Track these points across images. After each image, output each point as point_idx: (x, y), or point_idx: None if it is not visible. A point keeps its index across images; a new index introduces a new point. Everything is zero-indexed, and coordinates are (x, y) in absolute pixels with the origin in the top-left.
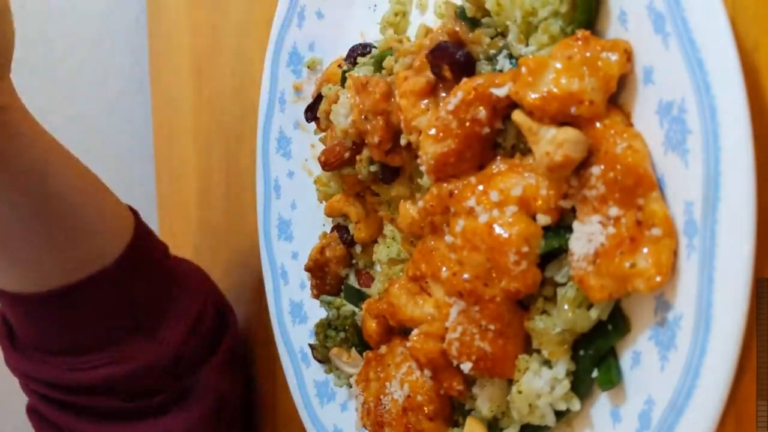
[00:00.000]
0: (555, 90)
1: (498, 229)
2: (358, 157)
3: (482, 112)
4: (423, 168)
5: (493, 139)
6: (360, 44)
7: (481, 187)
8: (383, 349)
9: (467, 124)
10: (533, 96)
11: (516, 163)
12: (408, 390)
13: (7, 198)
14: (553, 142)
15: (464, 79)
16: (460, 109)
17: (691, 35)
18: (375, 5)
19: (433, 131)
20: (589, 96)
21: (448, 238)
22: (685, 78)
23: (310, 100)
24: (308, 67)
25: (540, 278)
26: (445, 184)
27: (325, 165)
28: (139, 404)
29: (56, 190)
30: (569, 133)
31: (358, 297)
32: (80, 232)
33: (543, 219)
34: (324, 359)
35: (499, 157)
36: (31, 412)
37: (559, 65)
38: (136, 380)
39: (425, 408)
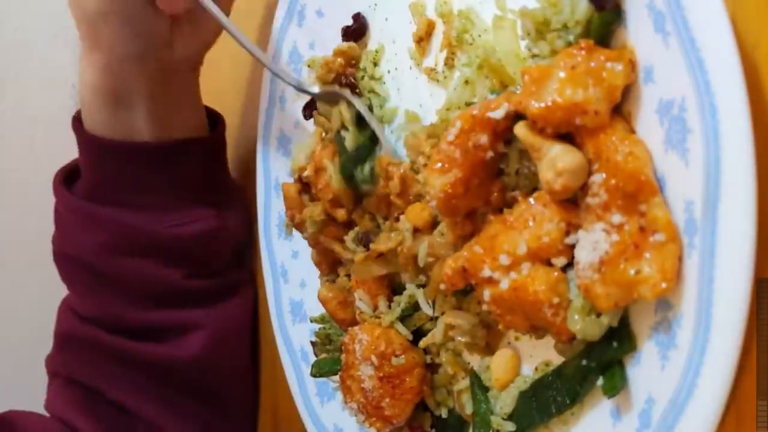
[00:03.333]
0: (559, 100)
1: (524, 291)
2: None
3: (483, 138)
4: (432, 204)
5: (497, 165)
6: (352, 27)
7: (485, 253)
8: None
9: (470, 151)
10: (537, 105)
11: (506, 219)
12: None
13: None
14: (552, 169)
15: (460, 111)
16: (461, 138)
17: (691, 34)
18: (375, 4)
19: (438, 165)
20: (594, 106)
21: (484, 306)
22: (685, 77)
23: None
24: (308, 66)
25: None
26: (454, 263)
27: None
28: (195, 283)
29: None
30: (569, 160)
31: None
32: (193, 98)
33: (559, 261)
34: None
35: (489, 216)
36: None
37: (562, 75)
38: (207, 245)
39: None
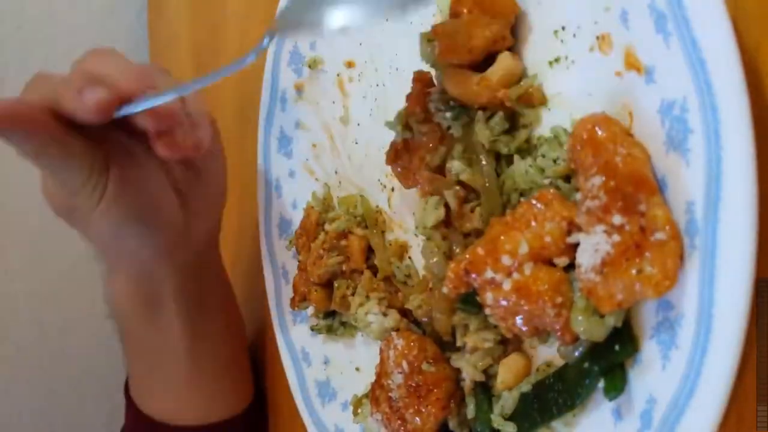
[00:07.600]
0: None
1: (526, 291)
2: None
3: None
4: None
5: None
6: None
7: (487, 254)
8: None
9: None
10: None
11: (508, 221)
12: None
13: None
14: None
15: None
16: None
17: (692, 35)
18: None
19: None
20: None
21: (487, 310)
22: (686, 77)
23: (310, 100)
24: (309, 67)
25: None
26: (456, 265)
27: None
28: None
29: (218, 327)
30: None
31: None
32: (224, 371)
33: (561, 261)
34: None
35: (492, 219)
36: None
37: None
38: None
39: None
